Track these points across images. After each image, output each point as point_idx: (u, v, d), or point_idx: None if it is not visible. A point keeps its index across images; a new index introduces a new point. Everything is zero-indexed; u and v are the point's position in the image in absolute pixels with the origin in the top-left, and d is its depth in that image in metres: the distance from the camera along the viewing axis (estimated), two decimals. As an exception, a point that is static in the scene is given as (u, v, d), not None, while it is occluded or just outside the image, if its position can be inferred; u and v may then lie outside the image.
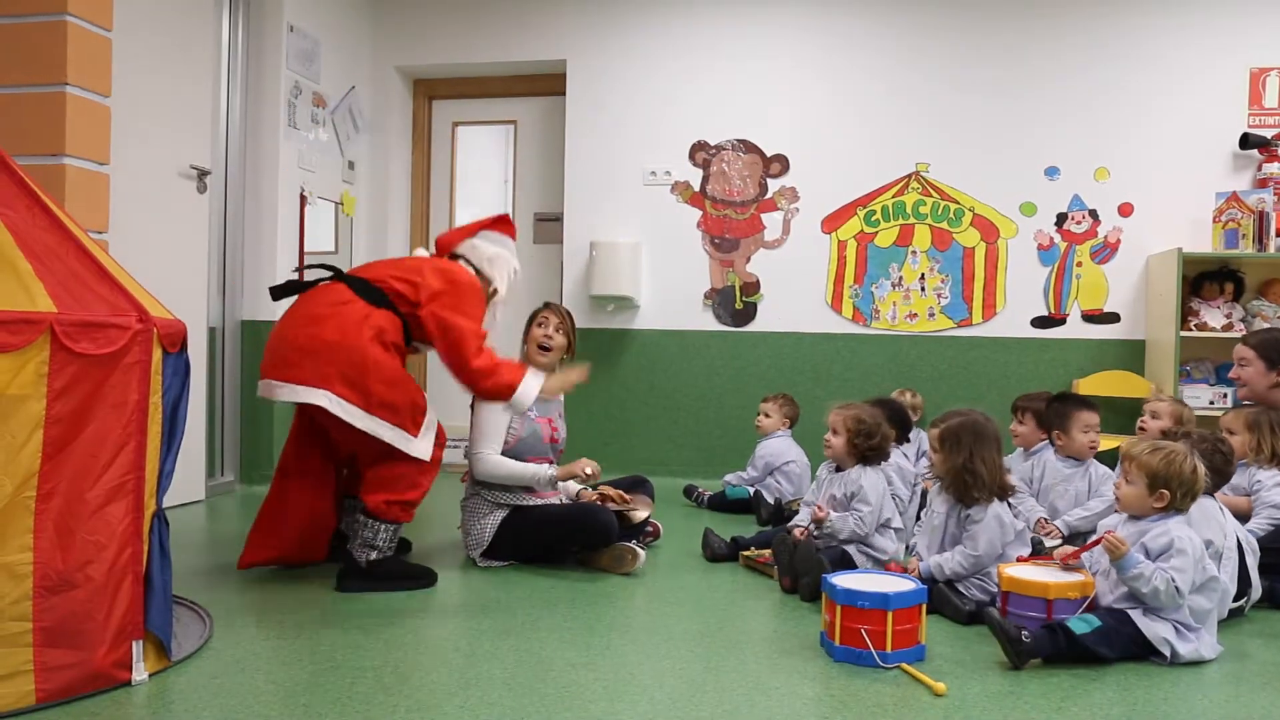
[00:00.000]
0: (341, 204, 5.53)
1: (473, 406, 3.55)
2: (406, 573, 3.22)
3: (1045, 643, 2.43)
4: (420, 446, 3.13)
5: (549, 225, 5.96)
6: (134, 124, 3.93)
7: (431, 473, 3.22)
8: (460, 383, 3.25)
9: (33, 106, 3.38)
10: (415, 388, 3.16)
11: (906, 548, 3.47)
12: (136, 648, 2.23)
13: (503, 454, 3.45)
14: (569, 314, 3.72)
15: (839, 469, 3.43)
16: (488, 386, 3.23)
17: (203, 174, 4.44)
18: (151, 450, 2.29)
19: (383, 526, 3.12)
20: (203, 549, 3.61)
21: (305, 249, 5.13)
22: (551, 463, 3.57)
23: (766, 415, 4.74)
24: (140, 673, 2.23)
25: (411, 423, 3.10)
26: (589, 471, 3.48)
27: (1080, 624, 2.46)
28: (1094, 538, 2.66)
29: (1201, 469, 2.61)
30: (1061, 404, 3.75)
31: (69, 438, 2.11)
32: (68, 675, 2.10)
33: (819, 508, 3.34)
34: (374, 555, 3.12)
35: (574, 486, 3.68)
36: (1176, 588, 2.46)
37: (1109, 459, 3.68)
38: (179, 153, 4.31)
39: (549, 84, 5.87)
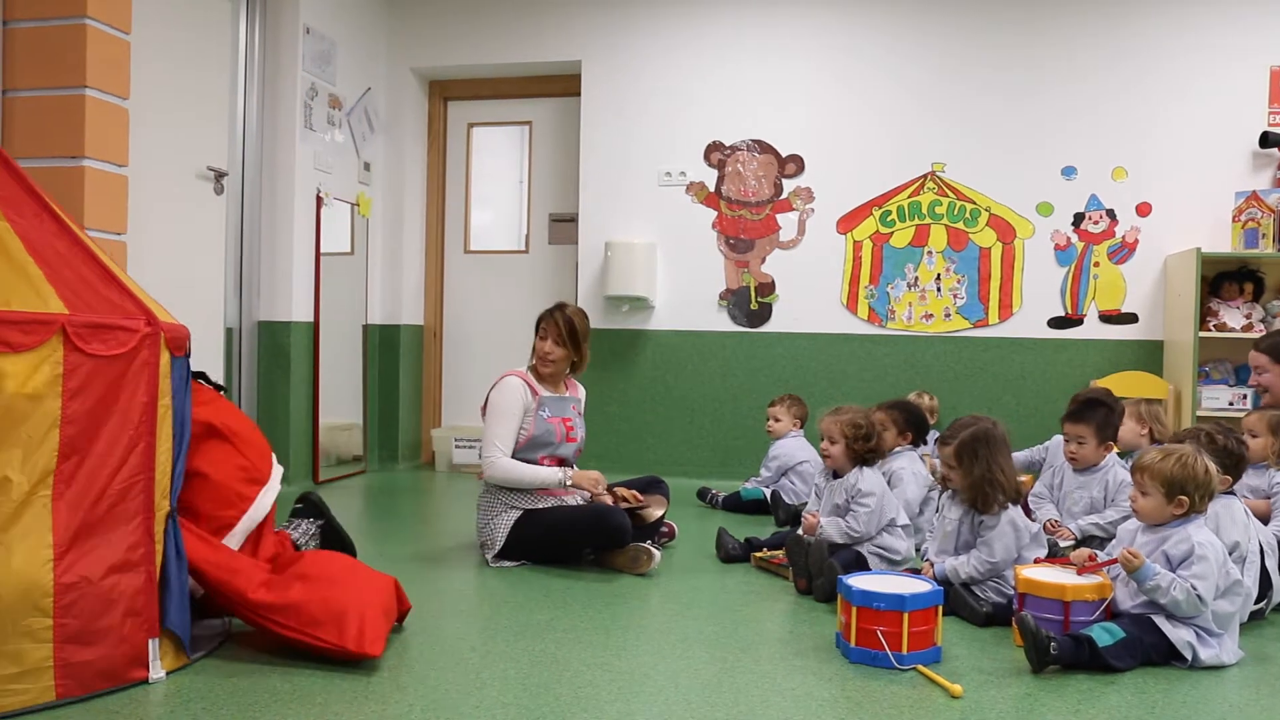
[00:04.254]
0: (357, 205, 5.55)
1: (483, 410, 3.55)
2: None
3: (1070, 653, 2.41)
4: None
5: (564, 226, 5.97)
6: (151, 126, 3.95)
7: None
8: None
9: (53, 109, 3.41)
10: None
11: (916, 549, 3.46)
12: (153, 646, 2.25)
13: (516, 452, 3.46)
14: (573, 319, 3.58)
15: (836, 475, 3.41)
16: None
17: (220, 175, 4.46)
18: (163, 451, 2.31)
19: None
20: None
21: (321, 250, 5.15)
22: (563, 462, 3.57)
23: (776, 419, 4.73)
24: (158, 671, 2.25)
25: None
26: (599, 490, 3.51)
27: (1104, 635, 2.43)
28: (1106, 556, 2.64)
29: (1214, 467, 2.59)
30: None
31: (84, 437, 2.14)
32: (86, 672, 2.12)
33: (810, 515, 3.33)
34: None
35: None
36: (1198, 595, 2.43)
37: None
38: (196, 154, 4.33)
39: (564, 85, 5.87)
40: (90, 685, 2.13)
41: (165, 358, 2.33)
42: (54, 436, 2.09)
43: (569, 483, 3.47)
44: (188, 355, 2.48)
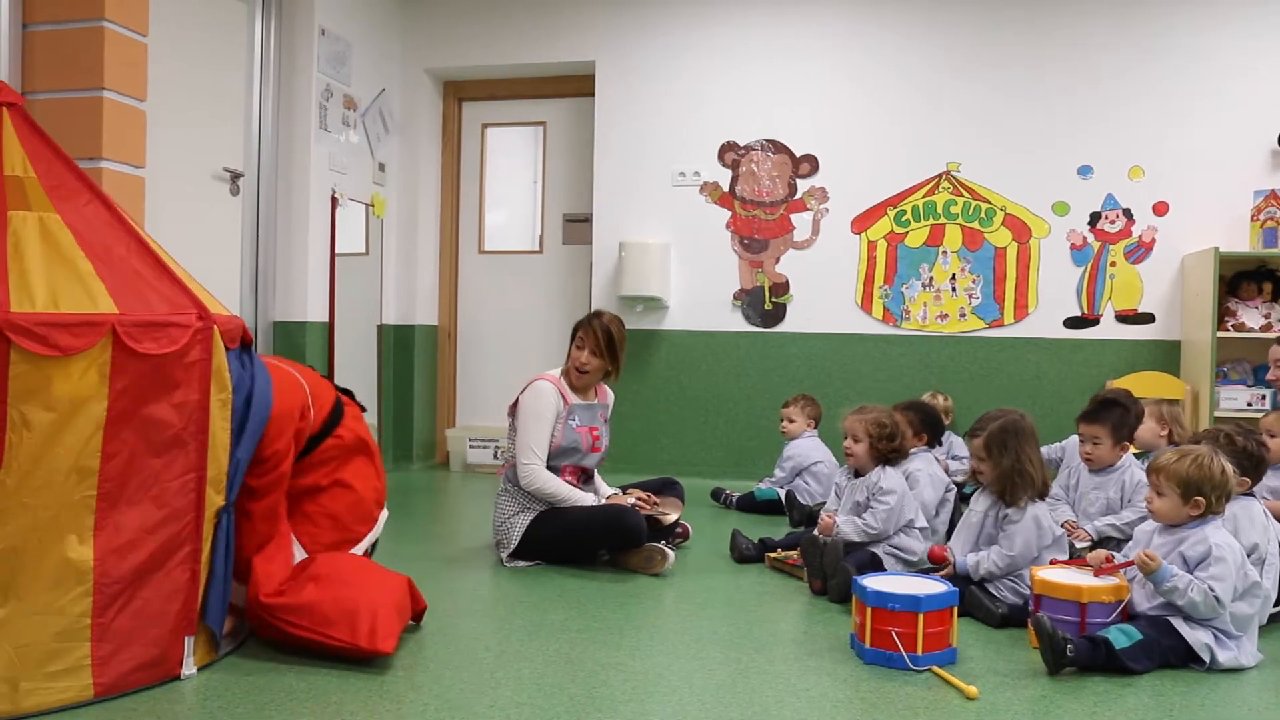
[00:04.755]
0: (372, 205, 5.56)
1: (512, 413, 3.55)
2: None
3: (1086, 655, 2.39)
4: None
5: (578, 226, 5.97)
6: (168, 127, 3.98)
7: None
8: None
9: (71, 111, 3.43)
10: None
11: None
12: (188, 643, 2.27)
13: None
14: (610, 327, 3.55)
15: (857, 474, 3.41)
16: None
17: (235, 176, 4.48)
18: (217, 447, 2.30)
19: None
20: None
21: (336, 250, 5.17)
22: (585, 472, 3.58)
23: (791, 420, 4.72)
24: (190, 667, 2.27)
25: None
26: (632, 503, 3.50)
27: (1121, 636, 2.42)
28: (1124, 558, 2.62)
29: (1230, 468, 2.58)
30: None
31: (131, 437, 2.14)
32: (123, 669, 2.14)
33: (827, 515, 3.33)
34: None
35: (605, 489, 3.68)
36: (1216, 597, 2.42)
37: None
38: (212, 155, 4.36)
39: (578, 85, 5.88)
40: (126, 682, 2.15)
41: (220, 352, 2.30)
42: (99, 437, 2.08)
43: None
44: (247, 345, 2.46)
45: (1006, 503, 2.92)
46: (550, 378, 3.55)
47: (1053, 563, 2.81)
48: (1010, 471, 2.91)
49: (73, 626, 2.07)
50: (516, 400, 3.54)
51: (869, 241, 5.44)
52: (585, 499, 3.44)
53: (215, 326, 2.29)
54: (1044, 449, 4.07)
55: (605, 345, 3.53)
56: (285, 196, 4.98)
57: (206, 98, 4.28)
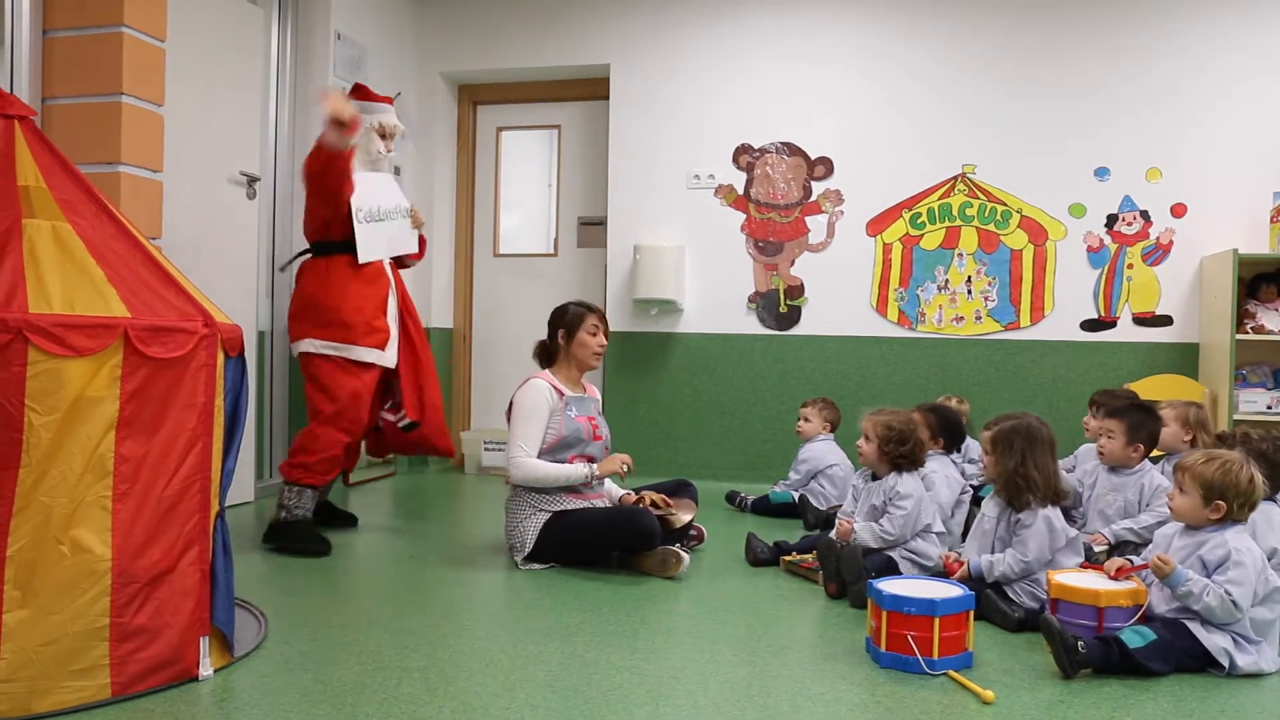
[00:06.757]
0: (388, 209, 5.57)
1: (508, 413, 3.57)
2: (301, 538, 3.56)
3: (1098, 654, 2.38)
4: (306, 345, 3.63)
5: (593, 229, 5.98)
6: (185, 131, 4.00)
7: (331, 433, 3.60)
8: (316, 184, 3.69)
9: (90, 116, 3.47)
10: (333, 301, 3.67)
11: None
12: (204, 643, 2.29)
13: (545, 452, 3.47)
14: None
15: (875, 477, 3.40)
16: (315, 160, 3.62)
17: (252, 180, 4.51)
18: (216, 451, 2.35)
19: (284, 487, 3.61)
20: (253, 549, 3.66)
21: (352, 254, 5.18)
22: (590, 459, 3.58)
23: (806, 420, 4.71)
24: (206, 668, 2.29)
25: (313, 326, 3.64)
26: (625, 470, 3.54)
27: (1134, 637, 2.41)
28: (1141, 559, 2.61)
29: (1259, 478, 2.55)
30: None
31: (142, 438, 2.17)
32: (140, 670, 2.16)
33: (844, 521, 3.32)
34: (280, 514, 3.61)
35: (617, 490, 3.69)
36: (1234, 601, 2.40)
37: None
38: (229, 159, 4.38)
39: (592, 88, 5.89)
40: (144, 683, 2.16)
41: (221, 358, 2.36)
42: (111, 438, 2.12)
43: (596, 473, 3.50)
44: (242, 354, 2.51)
45: (1015, 507, 2.92)
46: (543, 375, 3.60)
47: (1083, 566, 2.79)
48: (1014, 473, 2.91)
49: (91, 626, 2.08)
50: (511, 402, 3.57)
51: (884, 244, 5.43)
52: (576, 471, 3.46)
53: (219, 334, 2.34)
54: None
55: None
56: (302, 200, 4.99)
57: (223, 102, 4.31)
